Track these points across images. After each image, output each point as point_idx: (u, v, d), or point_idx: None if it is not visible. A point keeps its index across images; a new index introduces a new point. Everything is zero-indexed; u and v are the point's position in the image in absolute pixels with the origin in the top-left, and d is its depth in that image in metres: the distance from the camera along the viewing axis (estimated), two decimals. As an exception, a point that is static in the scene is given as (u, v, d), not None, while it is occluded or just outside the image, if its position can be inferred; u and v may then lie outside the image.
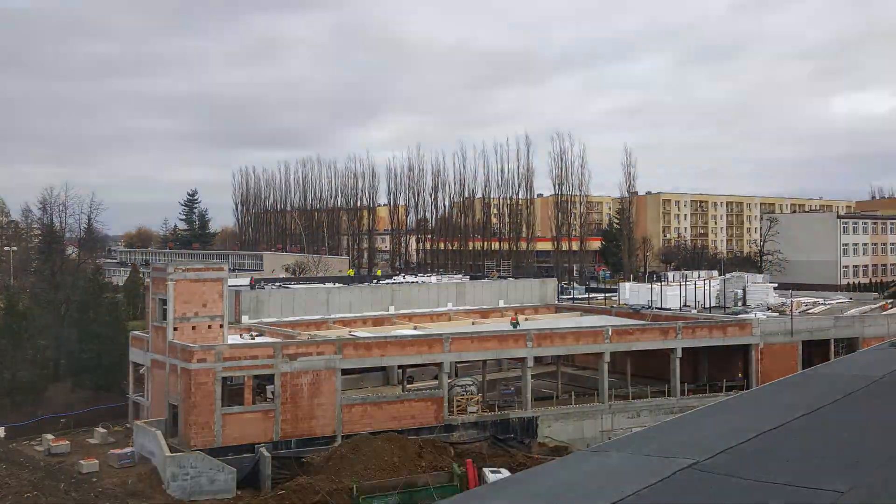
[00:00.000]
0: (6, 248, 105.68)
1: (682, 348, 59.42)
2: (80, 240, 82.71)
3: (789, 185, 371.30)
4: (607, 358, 57.54)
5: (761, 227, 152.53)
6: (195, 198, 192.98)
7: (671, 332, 60.02)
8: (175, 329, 50.10)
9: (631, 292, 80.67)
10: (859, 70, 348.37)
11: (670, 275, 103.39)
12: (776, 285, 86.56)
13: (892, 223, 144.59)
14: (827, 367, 6.23)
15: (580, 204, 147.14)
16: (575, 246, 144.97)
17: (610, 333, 58.19)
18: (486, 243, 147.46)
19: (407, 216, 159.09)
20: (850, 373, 5.81)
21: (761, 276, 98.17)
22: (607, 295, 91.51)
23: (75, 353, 67.88)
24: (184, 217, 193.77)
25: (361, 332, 59.31)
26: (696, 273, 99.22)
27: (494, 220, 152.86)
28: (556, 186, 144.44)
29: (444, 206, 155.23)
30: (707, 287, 78.86)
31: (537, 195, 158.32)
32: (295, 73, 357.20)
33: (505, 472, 41.93)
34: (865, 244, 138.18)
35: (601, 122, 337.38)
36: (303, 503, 41.08)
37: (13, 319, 64.38)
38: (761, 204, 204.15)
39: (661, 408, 57.02)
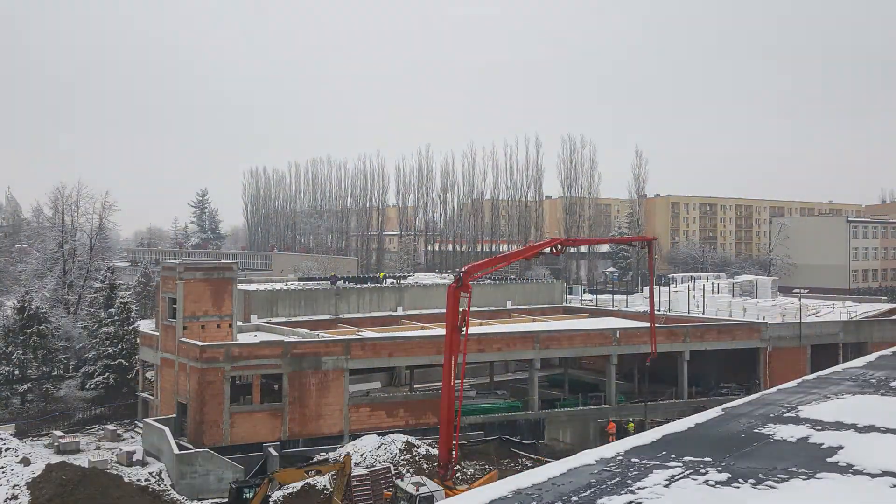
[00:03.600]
0: (18, 247, 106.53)
1: (691, 351, 59.50)
2: (92, 239, 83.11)
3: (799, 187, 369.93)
4: (615, 360, 57.61)
5: (770, 231, 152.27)
6: (205, 198, 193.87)
7: (679, 336, 60.06)
8: (185, 328, 50.45)
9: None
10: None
11: (678, 277, 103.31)
12: (777, 297, 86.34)
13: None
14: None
15: (589, 206, 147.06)
16: (583, 248, 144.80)
17: (618, 336, 58.26)
18: (494, 245, 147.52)
19: (416, 217, 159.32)
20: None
21: (770, 279, 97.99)
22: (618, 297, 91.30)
23: (85, 351, 68.38)
24: (194, 217, 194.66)
25: (369, 333, 59.50)
26: (703, 276, 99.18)
27: (503, 221, 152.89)
28: (565, 188, 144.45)
29: (453, 208, 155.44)
30: (715, 289, 78.78)
31: (546, 197, 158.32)
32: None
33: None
34: (875, 248, 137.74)
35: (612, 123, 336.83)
36: (309, 502, 41.32)
37: (24, 319, 64.90)
38: (770, 207, 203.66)
39: (669, 410, 57.02)
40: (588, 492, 12.28)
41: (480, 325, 67.33)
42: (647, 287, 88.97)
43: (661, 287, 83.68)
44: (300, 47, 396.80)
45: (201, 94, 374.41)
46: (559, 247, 46.37)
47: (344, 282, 78.89)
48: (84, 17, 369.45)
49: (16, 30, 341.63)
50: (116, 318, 66.65)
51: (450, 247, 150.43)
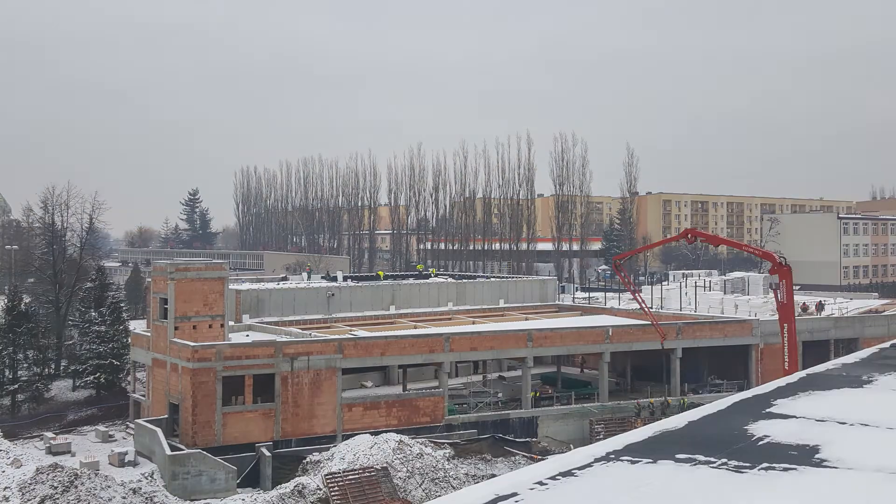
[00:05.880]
0: (7, 247, 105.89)
1: (683, 348, 59.57)
2: (82, 239, 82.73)
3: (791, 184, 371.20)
4: (607, 358, 57.63)
5: (762, 228, 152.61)
6: (196, 197, 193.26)
7: (671, 333, 60.11)
8: (176, 328, 50.23)
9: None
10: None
11: (670, 274, 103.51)
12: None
13: (893, 224, 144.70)
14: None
15: (581, 204, 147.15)
16: (576, 246, 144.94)
17: (610, 334, 58.26)
18: (486, 243, 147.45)
19: (408, 216, 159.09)
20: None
21: (761, 275, 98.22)
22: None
23: (76, 351, 68.07)
24: (185, 216, 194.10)
25: (362, 332, 59.37)
26: (696, 273, 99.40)
27: (495, 219, 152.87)
28: (557, 186, 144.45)
29: (445, 206, 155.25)
30: (707, 286, 78.93)
31: (538, 195, 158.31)
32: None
33: None
34: (866, 245, 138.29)
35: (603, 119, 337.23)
36: (302, 503, 41.17)
37: (14, 319, 64.52)
38: (762, 204, 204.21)
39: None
40: (578, 490, 12.23)
41: (473, 323, 67.31)
42: (638, 285, 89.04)
43: (653, 285, 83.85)
44: (292, 45, 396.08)
45: (194, 92, 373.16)
46: (690, 237, 61.47)
47: (385, 278, 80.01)
48: (74, 9, 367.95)
49: (7, 24, 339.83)
50: (107, 317, 66.34)
51: (442, 245, 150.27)
